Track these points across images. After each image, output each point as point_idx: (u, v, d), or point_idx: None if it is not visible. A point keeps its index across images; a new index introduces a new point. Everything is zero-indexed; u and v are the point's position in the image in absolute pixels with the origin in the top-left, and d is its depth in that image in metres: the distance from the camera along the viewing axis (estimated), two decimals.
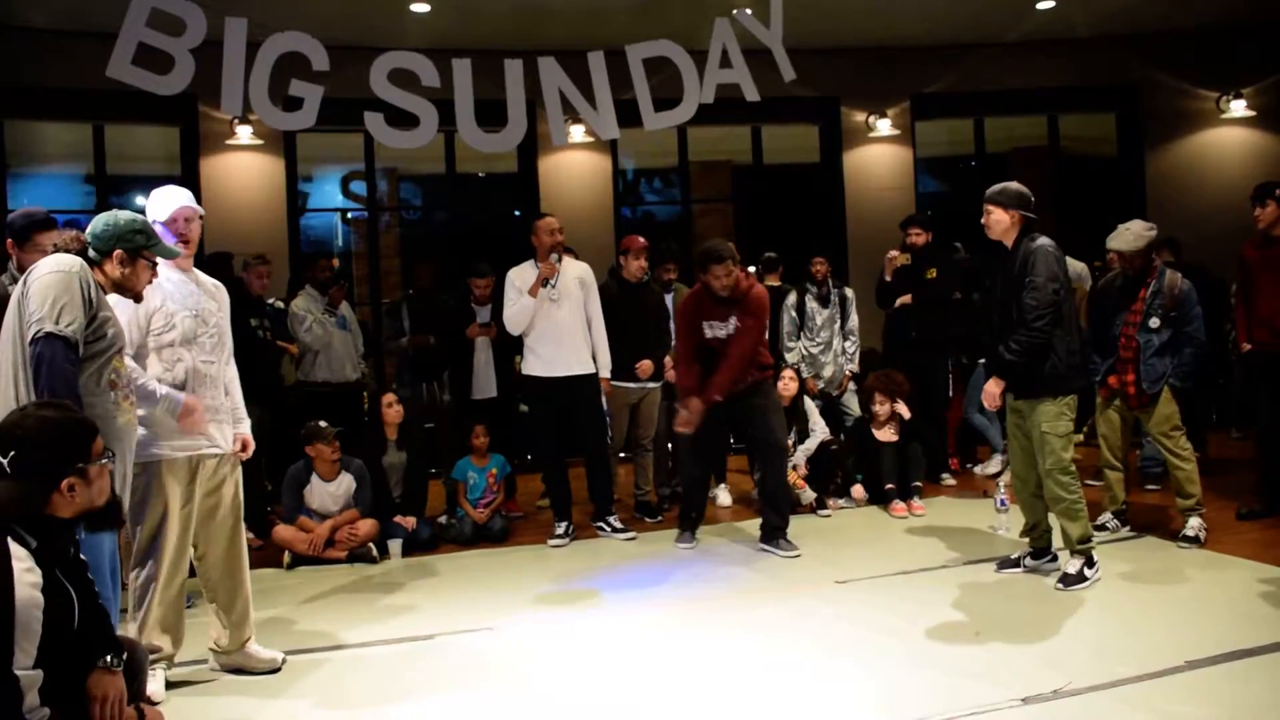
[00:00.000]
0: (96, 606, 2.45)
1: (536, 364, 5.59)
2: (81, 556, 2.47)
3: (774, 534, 5.17)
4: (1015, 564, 4.63)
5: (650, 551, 5.30)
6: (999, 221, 4.37)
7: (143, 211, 3.46)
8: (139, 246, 3.16)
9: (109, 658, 2.39)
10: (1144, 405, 4.98)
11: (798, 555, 5.02)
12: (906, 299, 6.74)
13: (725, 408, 5.13)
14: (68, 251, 3.05)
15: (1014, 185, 4.40)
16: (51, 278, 2.93)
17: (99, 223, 3.16)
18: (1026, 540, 4.65)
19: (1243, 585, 4.24)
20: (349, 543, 5.30)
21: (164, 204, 3.55)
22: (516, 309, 5.52)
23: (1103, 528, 5.18)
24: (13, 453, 2.29)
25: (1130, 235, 4.94)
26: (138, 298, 3.26)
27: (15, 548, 2.19)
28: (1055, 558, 4.58)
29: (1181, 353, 4.90)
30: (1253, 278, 5.38)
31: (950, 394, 7.03)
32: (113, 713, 2.32)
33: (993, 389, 4.41)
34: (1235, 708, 3.00)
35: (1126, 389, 4.99)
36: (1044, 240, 4.32)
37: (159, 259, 3.29)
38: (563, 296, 5.54)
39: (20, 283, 3.01)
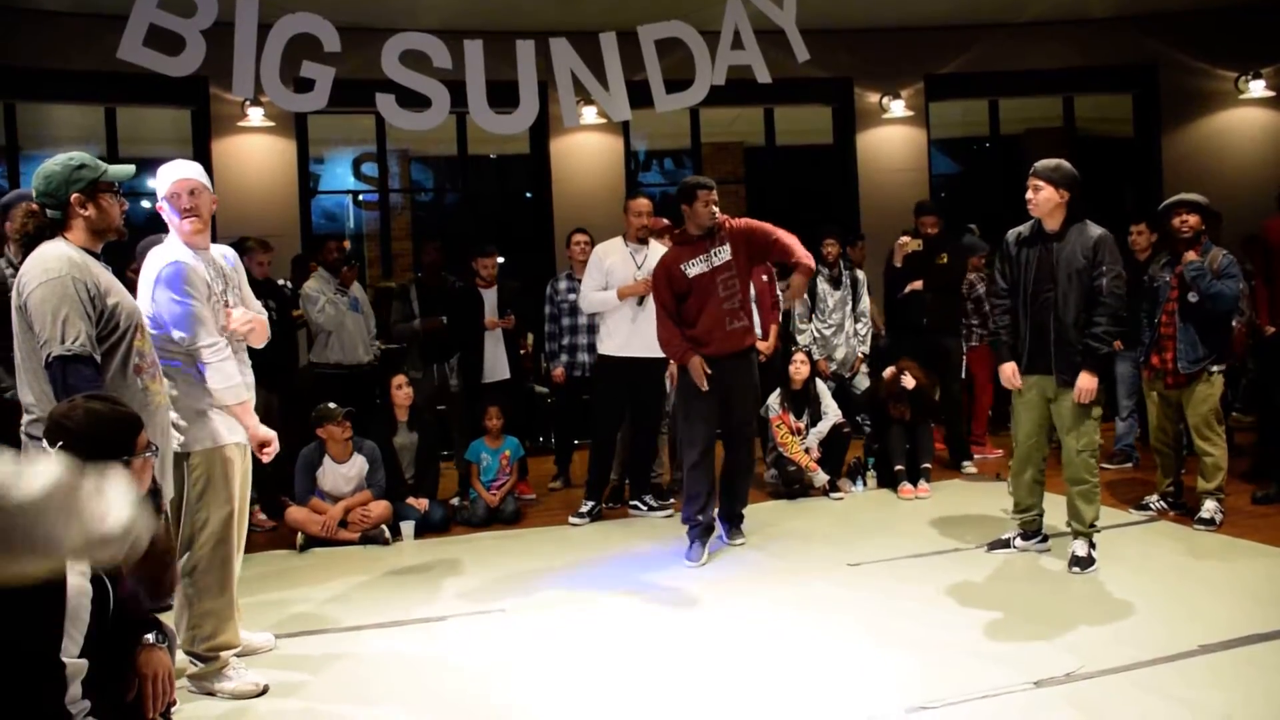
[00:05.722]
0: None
1: (610, 344, 5.56)
2: None
3: (732, 520, 5.05)
4: (1006, 544, 4.64)
5: (662, 534, 5.30)
6: (1048, 199, 4.23)
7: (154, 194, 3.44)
8: (90, 179, 2.94)
9: (154, 634, 2.41)
10: (1180, 385, 4.93)
11: (743, 543, 4.99)
12: (917, 285, 6.69)
13: (713, 373, 4.71)
14: (25, 234, 2.92)
15: (1067, 164, 4.27)
16: (44, 289, 2.79)
17: (38, 180, 2.96)
18: (1017, 520, 4.63)
19: (1259, 569, 4.24)
20: (361, 524, 5.33)
21: (163, 179, 3.37)
22: (600, 298, 5.52)
23: (1145, 507, 5.19)
24: (61, 443, 2.32)
25: (1193, 195, 4.94)
26: (120, 234, 3.05)
27: None
28: (1045, 539, 4.60)
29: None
30: (1275, 258, 5.32)
31: (964, 376, 7.00)
32: (163, 688, 2.35)
33: (1089, 385, 4.15)
34: (1250, 692, 2.99)
35: (1166, 368, 4.95)
36: (1103, 230, 4.24)
37: (121, 183, 3.04)
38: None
39: (15, 281, 2.88)
